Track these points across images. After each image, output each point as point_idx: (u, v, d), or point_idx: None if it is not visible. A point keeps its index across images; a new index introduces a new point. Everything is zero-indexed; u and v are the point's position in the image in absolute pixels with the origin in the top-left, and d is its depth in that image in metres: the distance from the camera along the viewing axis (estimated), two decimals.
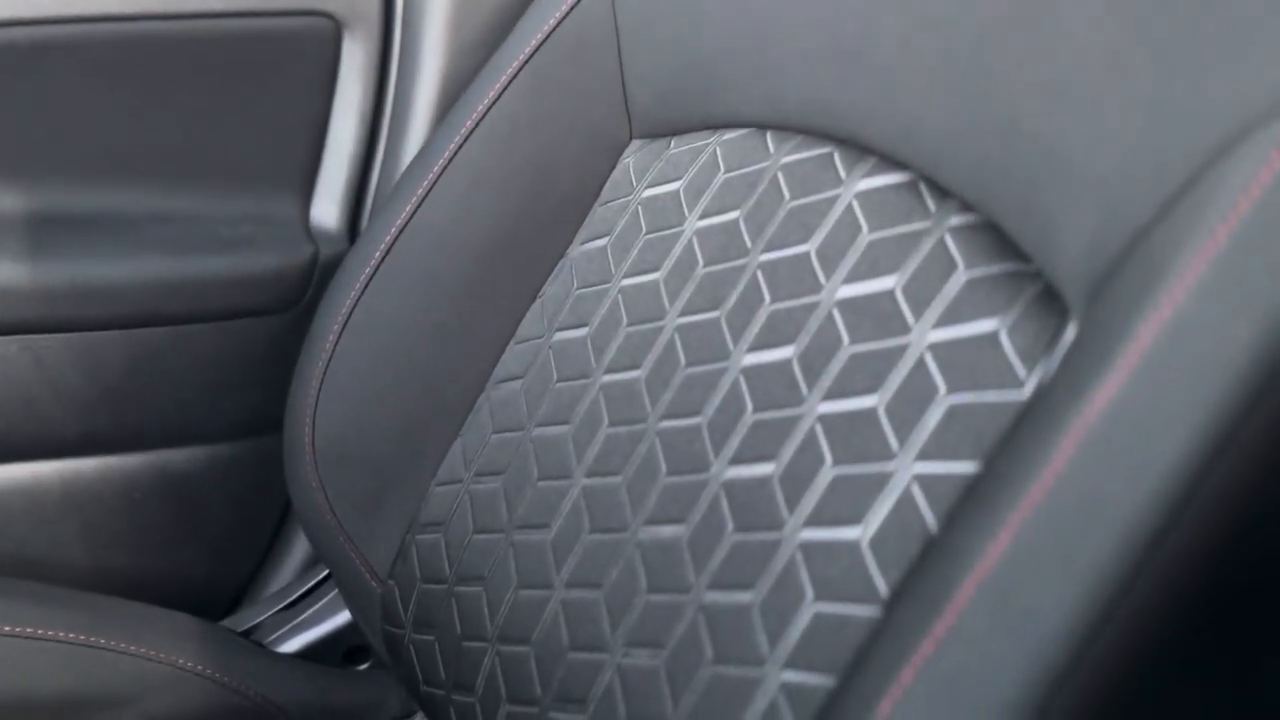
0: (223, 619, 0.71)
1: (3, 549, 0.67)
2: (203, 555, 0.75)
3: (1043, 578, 0.29)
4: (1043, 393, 0.36)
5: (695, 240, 0.53)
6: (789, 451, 0.44)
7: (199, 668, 0.62)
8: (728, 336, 0.49)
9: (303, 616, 0.73)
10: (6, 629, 0.57)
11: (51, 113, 0.67)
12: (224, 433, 0.74)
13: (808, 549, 0.41)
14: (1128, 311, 0.33)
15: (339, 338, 0.62)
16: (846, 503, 0.41)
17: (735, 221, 0.51)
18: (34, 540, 0.67)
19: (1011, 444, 0.35)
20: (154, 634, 0.62)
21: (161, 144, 0.71)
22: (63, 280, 0.65)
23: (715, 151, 0.55)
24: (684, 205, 0.55)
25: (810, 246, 0.47)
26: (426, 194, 0.62)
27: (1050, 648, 0.28)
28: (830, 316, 0.45)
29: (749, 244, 0.50)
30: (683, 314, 0.52)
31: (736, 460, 0.46)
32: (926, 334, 0.41)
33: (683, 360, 0.51)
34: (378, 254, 0.62)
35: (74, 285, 0.66)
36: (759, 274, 0.49)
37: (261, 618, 0.73)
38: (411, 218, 0.62)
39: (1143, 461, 0.29)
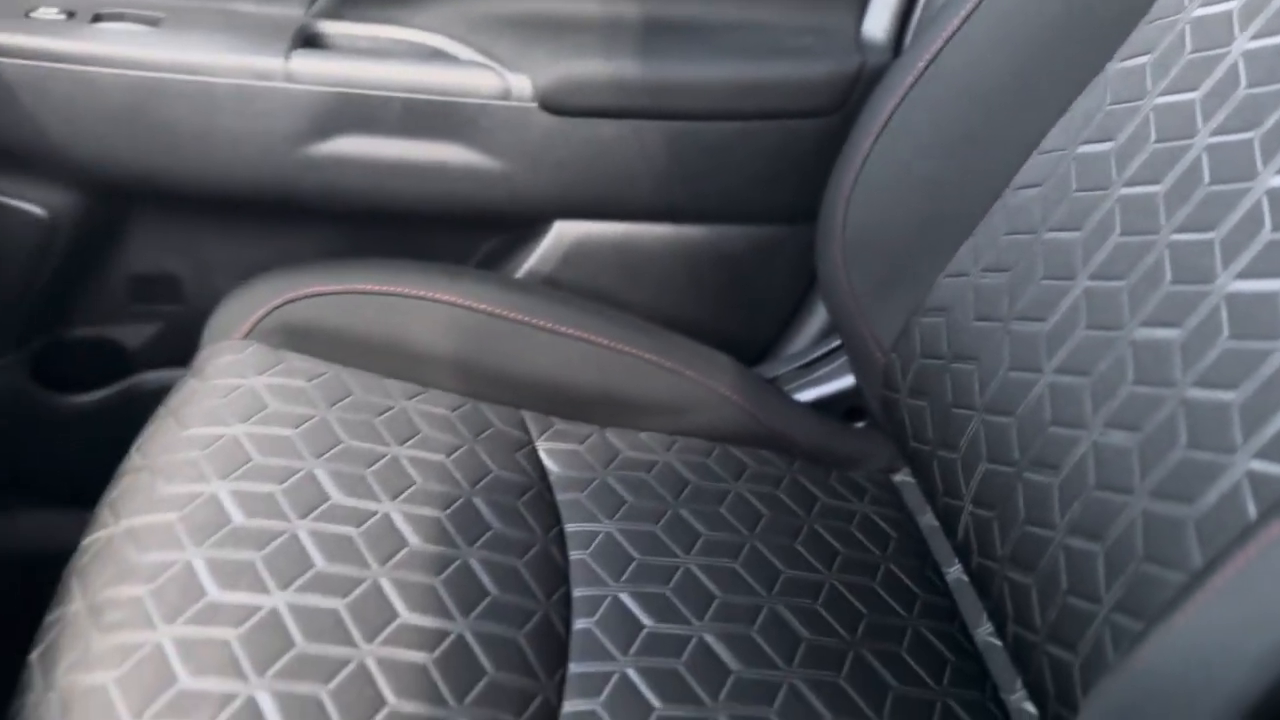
0: (752, 367, 0.86)
1: (599, 285, 0.86)
2: (741, 314, 0.90)
3: None
4: None
5: (1241, 62, 0.54)
6: None
7: (734, 397, 0.76)
8: (1258, 158, 0.50)
9: (816, 374, 0.86)
10: (604, 341, 0.75)
11: None
12: (770, 216, 0.87)
13: None
14: None
15: (876, 139, 0.70)
16: None
17: None
18: (619, 283, 0.86)
19: None
20: (704, 364, 0.77)
21: None
22: (664, 76, 0.80)
23: None
24: (1235, 25, 0.55)
25: None
26: (974, 9, 0.66)
27: None
28: None
29: None
30: (1215, 134, 0.53)
31: (1245, 275, 0.48)
32: None
33: (1206, 178, 0.53)
34: (921, 64, 0.68)
35: (671, 81, 0.80)
36: None
37: (783, 370, 0.88)
38: (957, 31, 0.67)
39: None
